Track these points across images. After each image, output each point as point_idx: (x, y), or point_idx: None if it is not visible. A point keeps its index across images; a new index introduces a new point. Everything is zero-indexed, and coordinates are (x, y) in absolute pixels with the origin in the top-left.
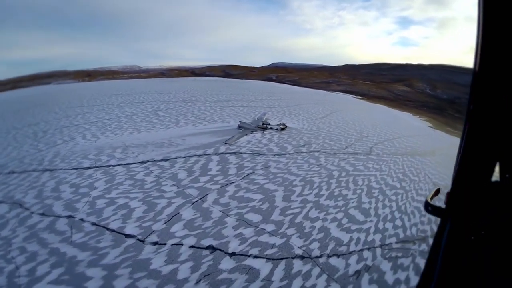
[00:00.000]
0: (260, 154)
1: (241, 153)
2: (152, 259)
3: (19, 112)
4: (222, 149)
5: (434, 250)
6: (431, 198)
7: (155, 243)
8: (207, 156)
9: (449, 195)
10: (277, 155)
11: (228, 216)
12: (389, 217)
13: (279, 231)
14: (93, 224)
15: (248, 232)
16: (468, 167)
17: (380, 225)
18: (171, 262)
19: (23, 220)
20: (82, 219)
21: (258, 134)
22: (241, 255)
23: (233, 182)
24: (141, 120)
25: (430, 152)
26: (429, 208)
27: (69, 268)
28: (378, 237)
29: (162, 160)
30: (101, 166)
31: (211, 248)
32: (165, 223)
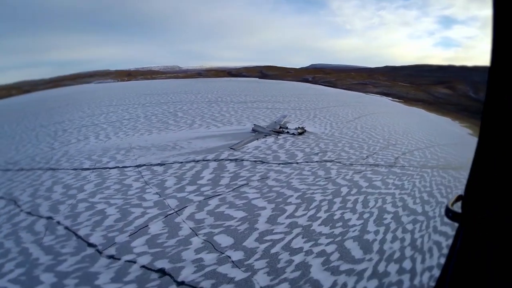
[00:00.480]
0: (264, 162)
1: (243, 160)
2: (100, 273)
3: (51, 110)
4: (225, 154)
5: (449, 259)
6: (453, 204)
7: (111, 257)
8: (205, 162)
9: (463, 198)
10: (282, 164)
11: (197, 235)
12: (397, 255)
13: (246, 262)
14: (66, 228)
15: (209, 258)
16: (483, 169)
17: (381, 267)
18: (116, 280)
19: (11, 217)
20: (58, 222)
21: (270, 139)
22: (190, 286)
23: (219, 195)
24: (158, 121)
25: (466, 166)
26: (450, 214)
27: (29, 269)
28: (372, 284)
29: (158, 164)
30: (98, 168)
31: (161, 272)
32: (129, 235)
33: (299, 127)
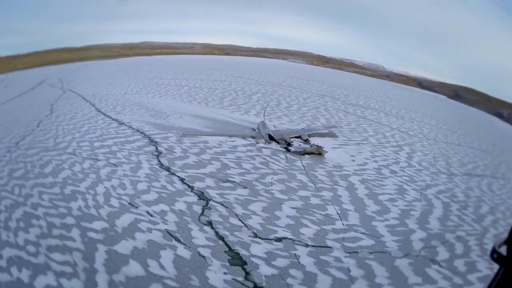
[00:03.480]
0: (158, 163)
1: (157, 150)
2: None
3: (195, 71)
4: (167, 135)
5: None
6: (500, 246)
7: None
8: (136, 133)
9: (508, 242)
10: (157, 166)
11: None
12: None
13: None
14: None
15: None
16: None
17: None
18: None
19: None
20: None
21: (243, 142)
22: None
23: (74, 155)
24: (232, 98)
25: None
26: (495, 255)
27: None
28: None
29: (121, 123)
30: (104, 114)
31: None
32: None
33: (315, 145)
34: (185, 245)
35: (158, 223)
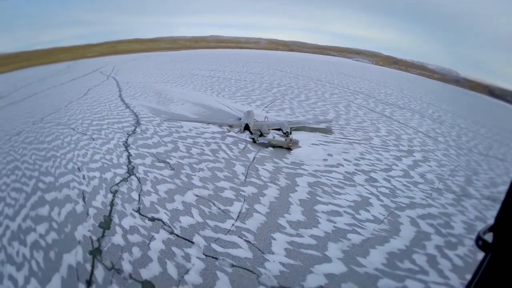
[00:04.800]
0: (126, 144)
1: (134, 132)
2: None
3: (242, 63)
4: (151, 118)
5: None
6: (485, 233)
7: None
8: (132, 118)
9: (494, 229)
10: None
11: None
12: None
13: None
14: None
15: None
16: None
17: None
18: None
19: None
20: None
21: (216, 129)
22: None
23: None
24: (250, 89)
25: None
26: (480, 242)
27: None
28: None
29: (125, 106)
30: (120, 98)
31: None
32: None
33: (289, 139)
34: (85, 203)
35: (83, 184)
